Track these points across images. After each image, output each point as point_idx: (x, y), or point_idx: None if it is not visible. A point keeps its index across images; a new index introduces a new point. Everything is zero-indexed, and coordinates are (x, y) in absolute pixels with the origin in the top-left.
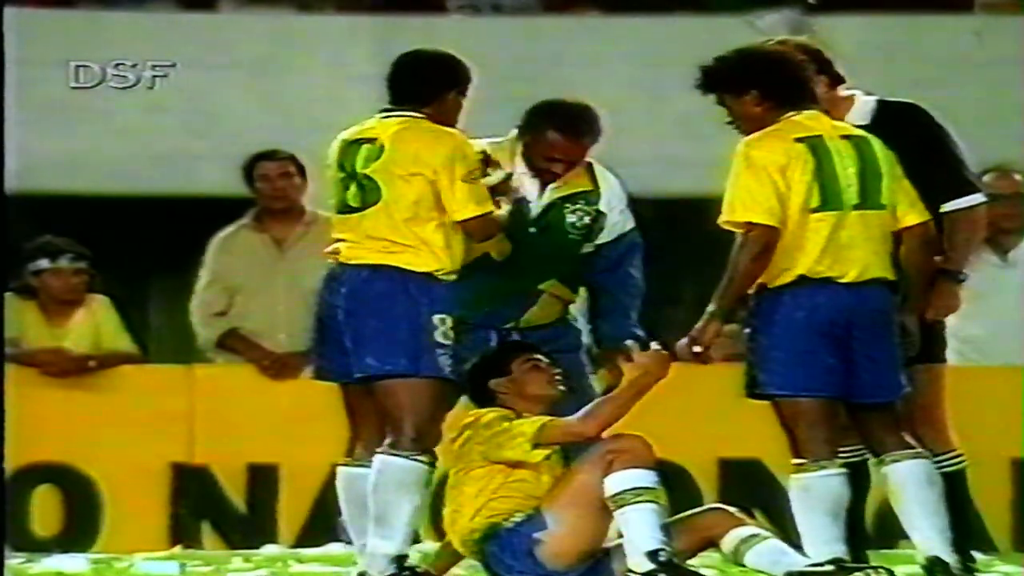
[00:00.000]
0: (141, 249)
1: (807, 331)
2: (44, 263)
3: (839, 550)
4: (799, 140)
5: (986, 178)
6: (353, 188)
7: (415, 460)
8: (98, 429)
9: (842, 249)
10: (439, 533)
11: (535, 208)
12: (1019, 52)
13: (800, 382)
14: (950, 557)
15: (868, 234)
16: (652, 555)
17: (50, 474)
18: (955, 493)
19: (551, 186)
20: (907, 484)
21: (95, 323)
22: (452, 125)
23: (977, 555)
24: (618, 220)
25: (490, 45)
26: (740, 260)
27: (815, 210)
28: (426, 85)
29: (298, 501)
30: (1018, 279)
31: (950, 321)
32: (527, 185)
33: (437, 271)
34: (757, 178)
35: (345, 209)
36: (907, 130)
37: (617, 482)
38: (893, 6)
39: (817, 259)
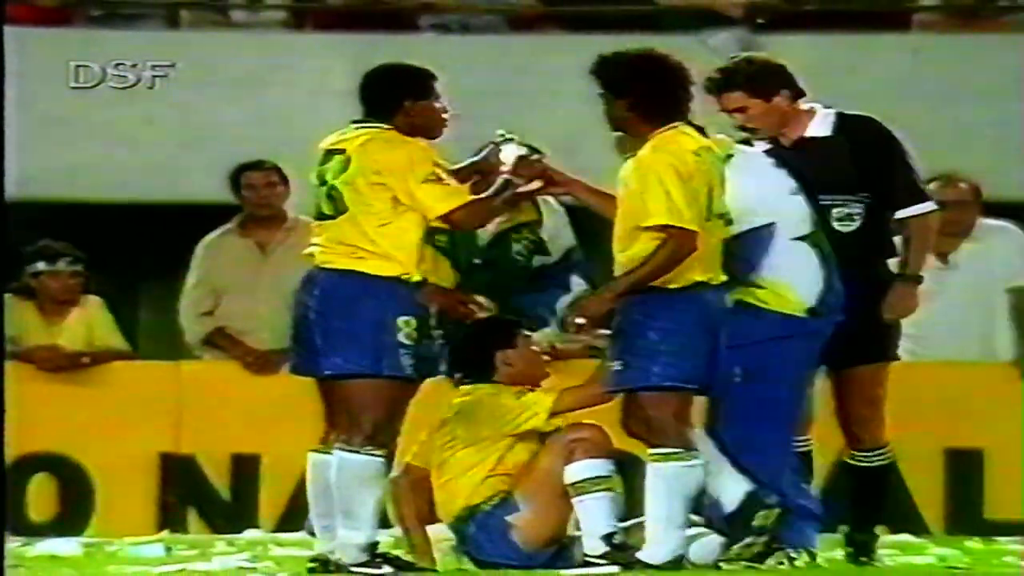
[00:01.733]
0: (133, 253)
1: (698, 329)
2: (42, 265)
3: (683, 536)
4: (696, 153)
5: (931, 186)
6: (325, 197)
7: (371, 455)
8: (91, 421)
9: (714, 256)
10: None
11: (482, 239)
12: (954, 69)
13: (687, 374)
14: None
15: (719, 242)
16: (607, 538)
17: (46, 463)
18: (878, 485)
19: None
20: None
21: (89, 322)
22: (426, 132)
23: (911, 538)
24: (562, 240)
25: (460, 62)
26: (659, 259)
27: (707, 220)
28: (383, 97)
29: (278, 489)
30: (957, 280)
31: None
32: None
33: (403, 275)
34: (676, 184)
35: (320, 216)
36: (866, 141)
37: (577, 471)
38: (836, 26)
39: (706, 265)
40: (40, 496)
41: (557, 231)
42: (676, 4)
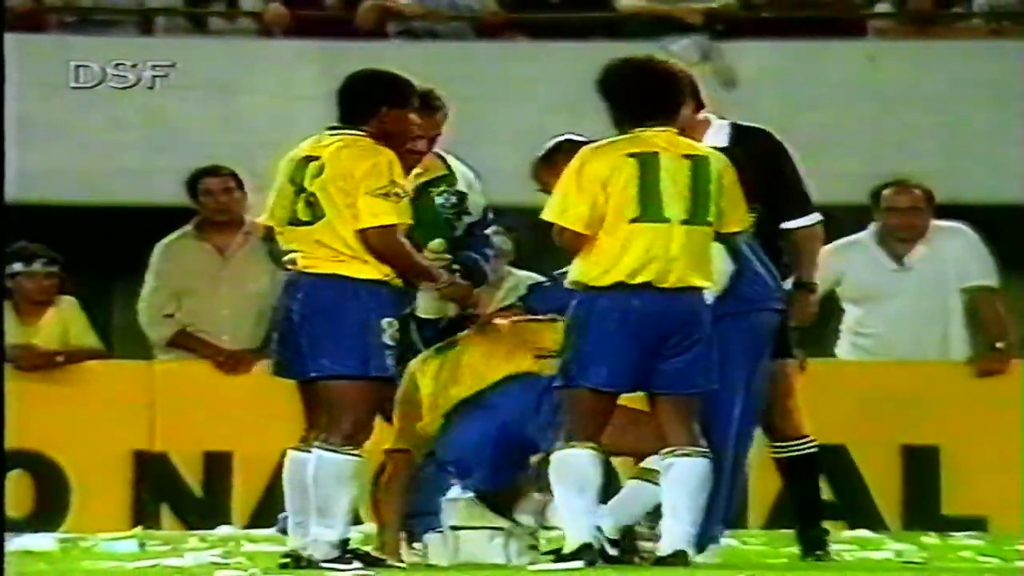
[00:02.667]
0: (106, 254)
1: (619, 332)
2: (19, 266)
3: (594, 522)
4: (631, 155)
5: (886, 192)
6: (303, 203)
7: (349, 455)
8: (66, 419)
9: (666, 259)
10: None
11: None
12: (909, 74)
13: (603, 378)
14: (692, 550)
15: (692, 248)
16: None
17: (22, 460)
18: (808, 474)
19: (413, 174)
20: (687, 479)
21: (64, 322)
22: (400, 140)
23: (869, 534)
24: (478, 199)
25: (427, 68)
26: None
27: (635, 220)
28: (360, 104)
29: (250, 486)
30: (913, 282)
31: (851, 319)
32: None
33: (386, 276)
34: (577, 187)
35: (297, 222)
36: (759, 152)
37: (660, 461)
38: (793, 33)
39: (637, 266)
40: (16, 493)
41: (471, 187)
42: (638, 12)
